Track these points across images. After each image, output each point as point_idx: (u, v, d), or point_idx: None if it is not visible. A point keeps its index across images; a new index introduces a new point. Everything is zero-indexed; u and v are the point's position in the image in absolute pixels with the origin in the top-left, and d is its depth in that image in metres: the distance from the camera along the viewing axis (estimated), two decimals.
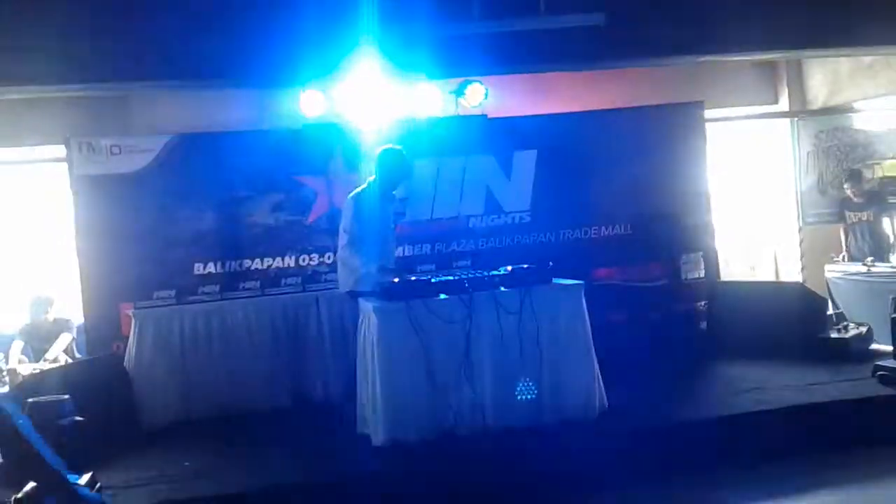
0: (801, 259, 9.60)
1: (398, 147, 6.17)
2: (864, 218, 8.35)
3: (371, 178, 6.11)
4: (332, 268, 7.60)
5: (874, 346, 6.83)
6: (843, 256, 8.41)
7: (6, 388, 6.69)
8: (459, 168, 7.89)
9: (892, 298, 6.25)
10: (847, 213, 8.50)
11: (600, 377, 5.74)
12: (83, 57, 6.53)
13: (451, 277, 5.82)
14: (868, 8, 7.35)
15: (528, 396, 5.56)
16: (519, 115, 8.30)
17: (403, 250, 7.56)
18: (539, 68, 7.77)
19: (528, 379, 5.57)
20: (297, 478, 5.07)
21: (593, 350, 5.71)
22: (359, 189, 6.14)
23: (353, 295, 5.92)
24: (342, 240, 6.07)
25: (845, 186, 8.63)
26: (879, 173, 9.20)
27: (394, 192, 6.23)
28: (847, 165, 9.22)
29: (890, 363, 6.01)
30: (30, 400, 5.50)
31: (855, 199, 8.47)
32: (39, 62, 6.45)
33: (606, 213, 8.23)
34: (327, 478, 5.04)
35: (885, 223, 8.40)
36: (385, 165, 6.05)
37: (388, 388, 5.33)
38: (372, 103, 7.18)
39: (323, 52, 6.69)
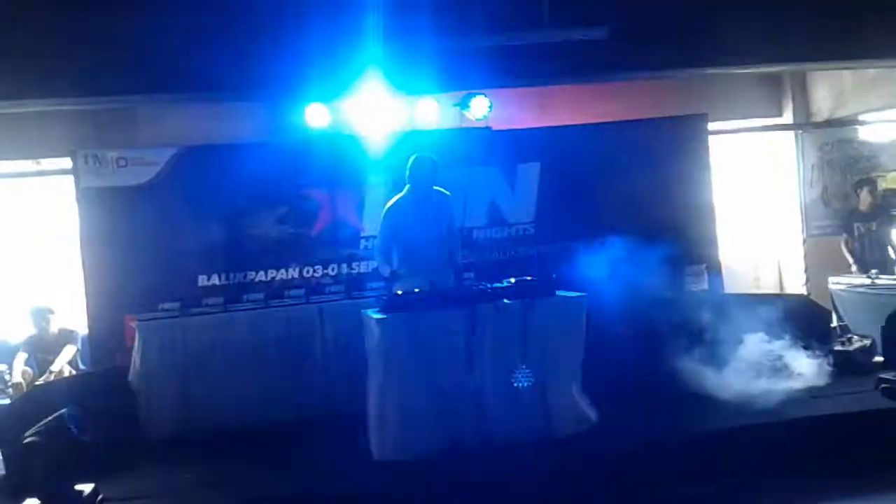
0: (805, 271, 9.59)
1: (428, 154, 6.22)
2: (872, 228, 8.36)
3: (407, 187, 6.18)
4: (336, 279, 7.65)
5: (878, 359, 6.81)
6: (854, 268, 8.38)
7: (8, 400, 6.71)
8: (463, 180, 7.90)
9: (888, 316, 6.26)
10: (855, 225, 8.49)
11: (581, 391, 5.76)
12: (90, 70, 6.58)
13: (454, 289, 5.83)
14: (872, 21, 7.36)
15: (532, 408, 5.54)
16: (522, 127, 8.33)
17: None
18: (542, 81, 7.80)
19: (531, 391, 5.56)
20: (301, 492, 5.05)
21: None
22: (394, 198, 6.21)
23: None
24: None
25: (861, 192, 8.62)
26: (883, 185, 9.19)
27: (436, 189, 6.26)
28: (852, 177, 9.24)
29: (893, 376, 5.98)
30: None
31: (862, 209, 8.48)
32: (46, 75, 6.50)
33: (610, 225, 8.22)
34: (331, 492, 5.02)
35: (892, 235, 8.40)
36: (413, 172, 6.13)
37: (392, 400, 5.33)
38: (376, 116, 7.21)
39: (328, 66, 6.73)
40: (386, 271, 6.17)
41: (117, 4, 6.68)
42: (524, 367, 5.51)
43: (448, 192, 6.31)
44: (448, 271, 6.20)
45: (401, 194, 6.24)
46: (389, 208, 6.24)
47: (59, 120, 7.84)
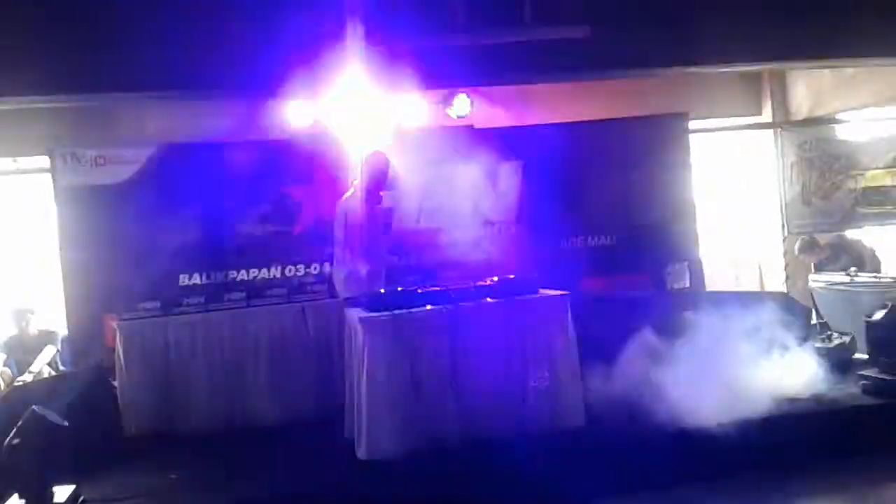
0: (785, 269, 9.66)
1: (380, 150, 6.25)
2: (840, 267, 8.32)
3: (355, 181, 6.16)
4: (319, 278, 7.63)
5: (857, 356, 6.87)
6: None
7: None
8: (446, 178, 7.90)
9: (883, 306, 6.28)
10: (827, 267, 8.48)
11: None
12: (68, 67, 6.51)
13: (437, 288, 5.83)
14: (850, 20, 7.42)
15: (514, 407, 5.55)
16: (505, 125, 8.33)
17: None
18: (524, 80, 7.81)
19: (513, 390, 5.56)
20: (284, 490, 5.03)
21: (577, 360, 5.73)
22: (346, 195, 6.19)
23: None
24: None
25: (801, 258, 8.70)
26: (862, 184, 9.29)
27: (381, 194, 6.33)
28: (831, 175, 9.32)
29: (872, 373, 6.03)
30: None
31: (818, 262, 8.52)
32: (24, 73, 6.42)
33: (592, 224, 8.26)
34: (314, 491, 5.01)
35: (863, 251, 8.45)
36: (368, 167, 6.14)
37: (374, 399, 5.31)
38: (359, 114, 7.19)
39: (310, 63, 6.69)
40: (363, 269, 6.11)
41: (94, 1, 6.62)
42: (506, 366, 5.53)
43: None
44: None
45: (350, 191, 6.28)
46: (344, 205, 6.25)
47: (36, 118, 7.74)
